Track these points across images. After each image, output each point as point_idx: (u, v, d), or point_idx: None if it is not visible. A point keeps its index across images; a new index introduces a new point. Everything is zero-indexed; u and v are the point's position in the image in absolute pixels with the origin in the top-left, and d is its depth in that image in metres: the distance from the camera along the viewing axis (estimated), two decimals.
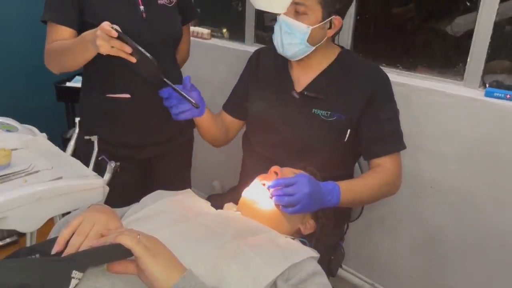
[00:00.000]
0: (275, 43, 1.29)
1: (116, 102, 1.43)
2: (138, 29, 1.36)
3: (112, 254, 0.78)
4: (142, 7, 1.36)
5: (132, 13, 1.36)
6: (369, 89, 1.28)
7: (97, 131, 1.42)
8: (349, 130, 1.30)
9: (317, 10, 1.20)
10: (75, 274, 0.73)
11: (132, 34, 1.36)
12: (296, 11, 1.21)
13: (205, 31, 2.20)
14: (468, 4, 1.51)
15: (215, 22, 2.27)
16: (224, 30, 2.22)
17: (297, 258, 0.90)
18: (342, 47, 1.38)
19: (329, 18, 1.22)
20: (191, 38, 2.24)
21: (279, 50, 1.30)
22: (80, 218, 0.85)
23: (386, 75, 1.33)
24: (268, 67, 1.42)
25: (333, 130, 1.31)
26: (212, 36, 2.25)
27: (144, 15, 1.37)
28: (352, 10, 1.68)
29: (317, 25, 1.21)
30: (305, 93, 1.31)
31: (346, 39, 1.71)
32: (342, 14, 1.26)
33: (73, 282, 0.72)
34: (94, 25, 1.31)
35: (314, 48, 1.26)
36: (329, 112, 1.30)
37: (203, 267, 0.81)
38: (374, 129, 1.29)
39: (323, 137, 1.32)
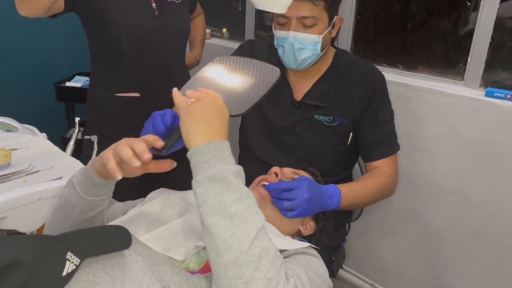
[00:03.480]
0: (285, 60, 1.24)
1: (125, 101, 1.43)
2: (152, 27, 1.36)
3: (109, 242, 0.79)
4: (154, 5, 1.36)
5: (145, 10, 1.35)
6: (369, 89, 1.28)
7: (105, 130, 1.42)
8: (351, 133, 1.31)
9: (324, 17, 1.18)
10: (71, 256, 0.72)
11: (146, 32, 1.36)
12: (305, 25, 1.17)
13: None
14: (468, 4, 1.50)
15: (215, 22, 2.27)
16: (224, 30, 2.22)
17: (296, 246, 0.91)
18: (336, 47, 1.36)
19: (333, 21, 1.22)
20: None
21: (291, 66, 1.25)
22: (108, 150, 0.80)
23: (382, 74, 1.33)
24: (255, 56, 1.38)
25: (336, 135, 1.31)
26: (212, 36, 2.25)
27: (156, 12, 1.36)
28: (352, 10, 1.68)
29: (326, 32, 1.20)
30: (306, 101, 1.30)
31: (346, 39, 1.71)
32: (338, 12, 1.25)
33: (69, 265, 0.71)
34: (108, 20, 1.31)
35: (322, 53, 1.24)
36: (331, 118, 1.29)
37: None
38: (373, 132, 1.30)
39: (327, 143, 1.32)
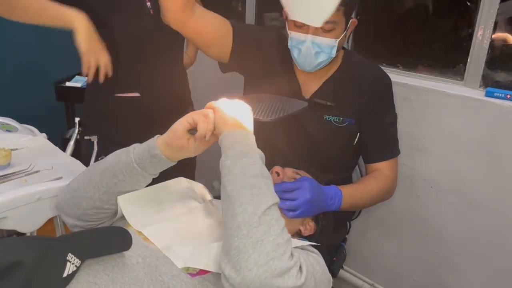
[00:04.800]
0: (300, 63, 1.22)
1: (125, 101, 1.42)
2: (147, 26, 1.34)
3: (110, 243, 0.80)
4: (149, 4, 1.35)
5: (140, 9, 1.34)
6: (377, 91, 1.29)
7: (104, 131, 1.41)
8: (358, 134, 1.31)
9: (342, 21, 1.17)
10: (71, 258, 0.72)
11: (142, 31, 1.35)
12: (324, 29, 1.16)
13: None
14: (469, 4, 1.50)
15: None
16: None
17: (296, 244, 0.91)
18: (344, 48, 1.37)
19: (349, 24, 1.21)
20: None
21: (304, 68, 1.23)
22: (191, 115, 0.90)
23: (390, 78, 1.34)
24: (273, 62, 1.34)
25: (345, 136, 1.31)
26: None
27: (152, 11, 1.35)
28: None
29: (342, 35, 1.20)
30: (315, 100, 1.30)
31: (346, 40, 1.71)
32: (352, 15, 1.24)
33: (69, 266, 0.72)
34: (102, 19, 1.30)
35: (335, 55, 1.24)
36: (341, 118, 1.29)
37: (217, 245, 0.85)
38: (377, 133, 1.31)
39: (336, 143, 1.32)
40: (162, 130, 1.44)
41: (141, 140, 1.44)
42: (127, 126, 1.44)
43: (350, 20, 1.22)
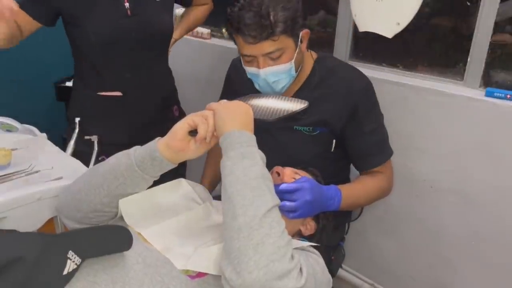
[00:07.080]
0: (265, 92, 1.22)
1: (107, 100, 1.43)
2: (123, 27, 1.33)
3: (110, 242, 0.80)
4: (127, 4, 1.34)
5: (116, 10, 1.33)
6: (351, 102, 1.24)
7: (88, 129, 1.41)
8: (334, 141, 1.29)
9: (289, 42, 1.14)
10: (72, 255, 0.72)
11: (117, 32, 1.34)
12: (272, 58, 1.14)
13: (205, 31, 2.20)
14: (468, 4, 1.50)
15: (215, 22, 2.27)
16: (224, 30, 2.21)
17: (296, 245, 0.91)
18: (315, 53, 1.32)
19: (300, 38, 1.17)
20: (190, 37, 2.24)
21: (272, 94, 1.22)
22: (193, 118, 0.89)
23: (367, 80, 1.28)
24: (245, 82, 1.29)
25: (318, 143, 1.29)
26: (212, 36, 2.24)
27: (129, 12, 1.34)
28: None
29: (295, 54, 1.17)
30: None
31: (346, 40, 1.71)
32: (305, 24, 1.20)
33: (70, 263, 0.72)
34: (75, 22, 1.30)
35: (298, 70, 1.22)
36: (311, 127, 1.27)
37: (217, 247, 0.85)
38: (359, 145, 1.28)
39: (310, 151, 1.30)
40: (143, 129, 1.45)
41: (122, 139, 1.44)
42: (109, 125, 1.44)
43: (300, 34, 1.17)
